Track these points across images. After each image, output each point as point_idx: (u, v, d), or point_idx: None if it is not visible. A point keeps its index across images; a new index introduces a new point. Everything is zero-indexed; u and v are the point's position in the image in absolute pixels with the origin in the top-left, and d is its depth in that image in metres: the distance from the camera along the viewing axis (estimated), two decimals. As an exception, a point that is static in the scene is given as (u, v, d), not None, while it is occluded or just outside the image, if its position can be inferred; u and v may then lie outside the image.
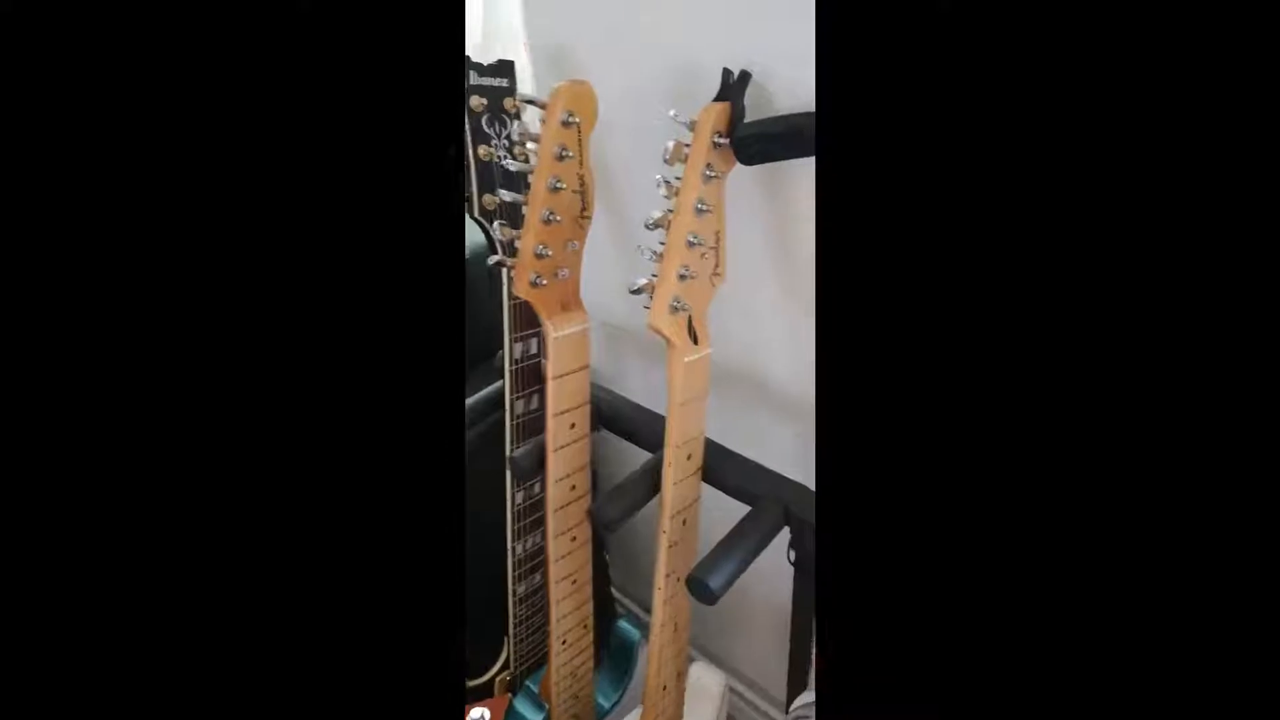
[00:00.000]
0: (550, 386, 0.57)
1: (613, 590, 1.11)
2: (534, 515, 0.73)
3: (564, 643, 0.68)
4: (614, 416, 0.66)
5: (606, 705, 0.79)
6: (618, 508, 0.56)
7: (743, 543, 0.52)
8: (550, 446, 0.59)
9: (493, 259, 0.55)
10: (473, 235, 0.86)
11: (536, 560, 0.76)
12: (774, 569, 0.99)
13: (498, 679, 0.78)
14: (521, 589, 0.76)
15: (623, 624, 0.82)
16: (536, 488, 0.73)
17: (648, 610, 0.80)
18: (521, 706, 0.72)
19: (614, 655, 0.81)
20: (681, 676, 0.66)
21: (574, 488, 0.62)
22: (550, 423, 0.58)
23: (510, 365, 0.65)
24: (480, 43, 0.83)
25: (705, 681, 0.76)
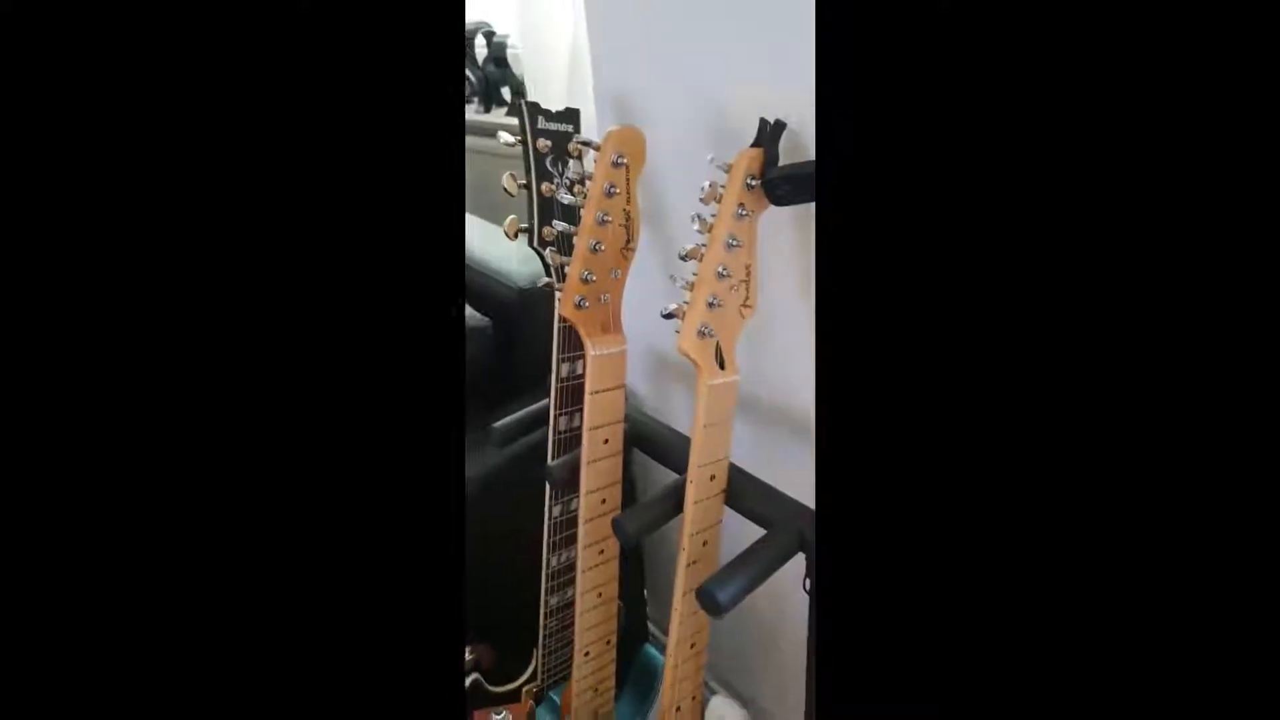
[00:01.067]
0: (587, 401, 0.61)
1: (649, 624, 1.13)
2: (569, 530, 0.77)
3: (586, 654, 0.71)
4: (646, 437, 0.70)
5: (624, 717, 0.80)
6: (638, 523, 0.59)
7: (754, 561, 0.54)
8: (585, 459, 0.63)
9: (543, 281, 0.61)
10: (539, 266, 0.93)
11: (569, 575, 0.79)
12: (791, 599, 0.99)
13: (525, 689, 0.81)
14: (554, 601, 0.79)
15: (649, 649, 0.84)
16: (573, 504, 0.77)
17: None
18: (543, 716, 0.74)
19: (638, 679, 0.83)
20: (697, 700, 0.67)
21: (605, 501, 0.66)
22: (586, 436, 0.62)
23: (556, 383, 0.70)
24: (564, 93, 0.91)
25: (725, 715, 0.77)
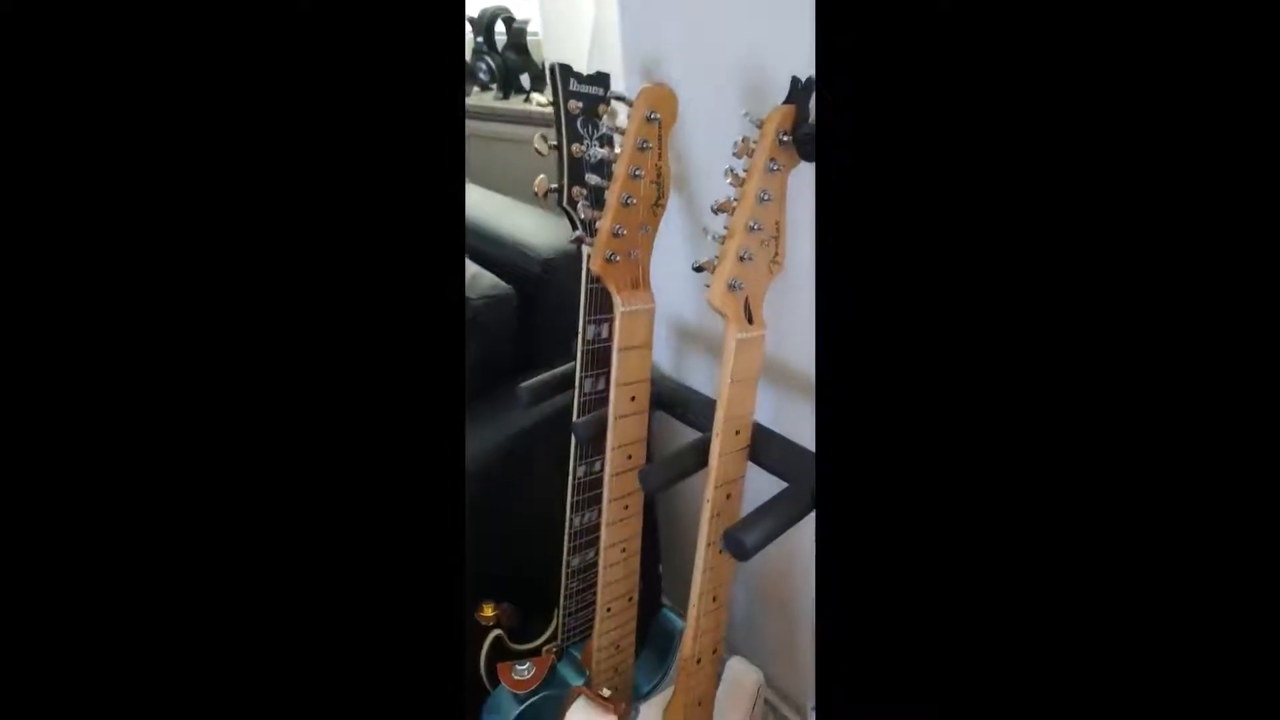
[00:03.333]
0: (615, 359, 0.63)
1: (663, 597, 1.14)
2: (592, 491, 0.78)
3: (609, 610, 0.72)
4: (671, 399, 0.71)
5: (645, 688, 0.81)
6: (664, 474, 0.61)
7: (778, 509, 0.55)
8: (612, 415, 0.64)
9: (573, 235, 0.62)
10: (562, 238, 0.95)
11: (592, 535, 0.81)
12: (803, 567, 1.00)
13: (544, 648, 0.83)
14: (575, 562, 0.81)
15: (667, 612, 0.85)
16: (597, 465, 0.78)
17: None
18: (563, 670, 0.76)
19: (656, 642, 0.84)
20: (718, 654, 0.68)
21: (630, 457, 0.67)
22: (614, 393, 0.64)
23: (583, 345, 0.72)
24: (588, 57, 0.92)
25: (742, 676, 0.78)
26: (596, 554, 0.83)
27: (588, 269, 0.67)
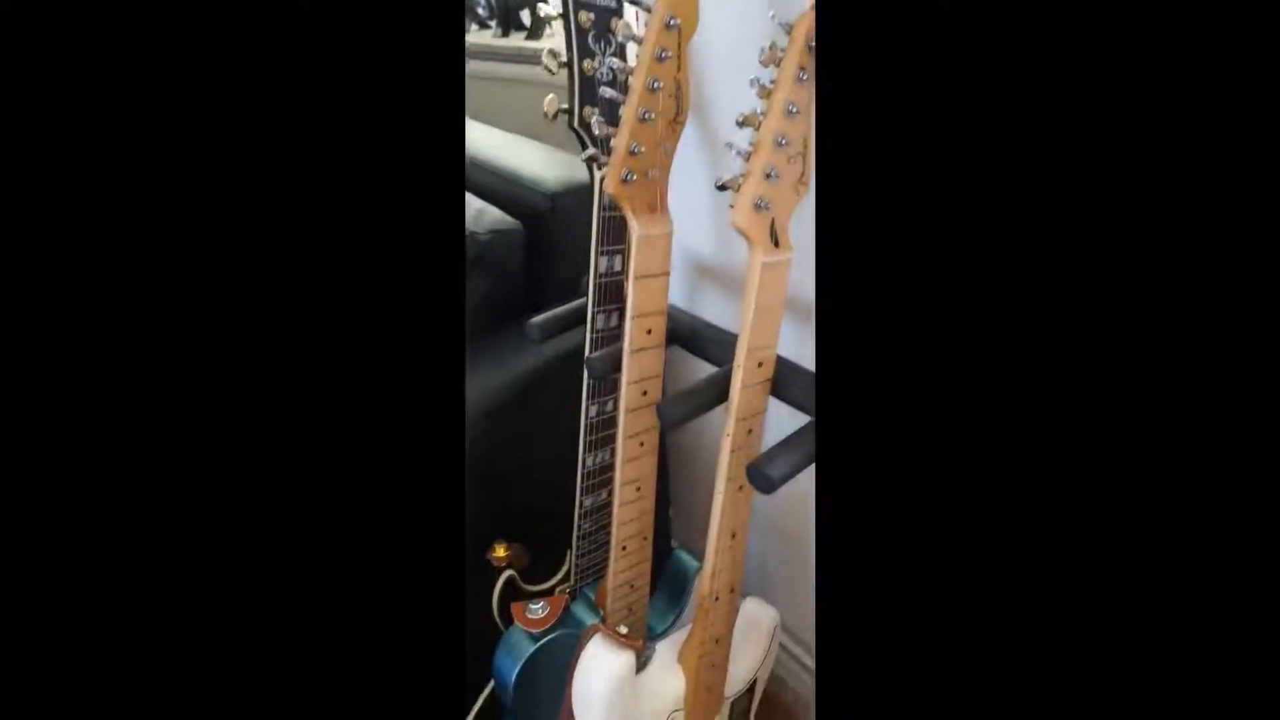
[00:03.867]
0: (631, 289, 0.60)
1: (673, 542, 1.14)
2: (605, 431, 0.76)
3: (623, 549, 0.71)
4: (688, 333, 0.68)
5: (659, 628, 0.81)
6: (683, 408, 0.58)
7: (802, 442, 0.53)
8: (627, 349, 0.62)
9: (587, 152, 0.59)
10: (572, 172, 0.91)
11: (605, 476, 0.79)
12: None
13: (558, 589, 0.82)
14: (588, 502, 0.79)
15: (680, 553, 0.84)
16: (609, 405, 0.76)
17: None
18: (578, 609, 0.75)
19: (669, 582, 0.83)
20: (735, 593, 0.67)
21: (646, 393, 0.65)
22: (629, 325, 0.61)
23: (595, 278, 0.69)
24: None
25: (758, 615, 0.77)
26: (609, 494, 0.81)
27: (601, 194, 0.63)
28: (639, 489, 0.69)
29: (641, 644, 0.63)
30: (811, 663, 1.09)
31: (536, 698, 0.72)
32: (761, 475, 0.51)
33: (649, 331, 0.62)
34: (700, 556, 0.84)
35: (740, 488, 0.62)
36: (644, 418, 0.66)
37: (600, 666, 0.61)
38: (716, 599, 0.66)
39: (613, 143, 0.55)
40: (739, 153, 0.51)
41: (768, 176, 0.51)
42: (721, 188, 0.52)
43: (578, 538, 0.80)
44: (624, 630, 0.62)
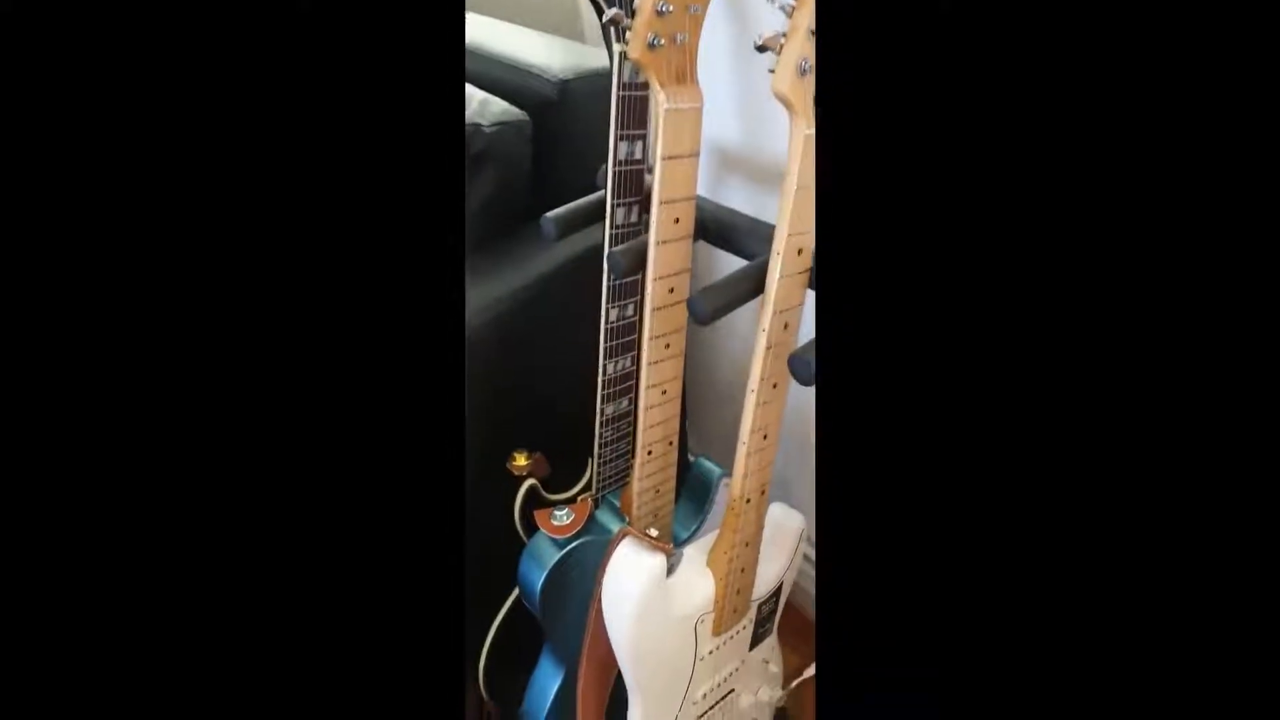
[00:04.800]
0: (659, 170, 0.55)
1: (689, 455, 1.12)
2: (626, 337, 0.73)
3: (649, 453, 0.69)
4: (716, 224, 0.64)
5: (682, 536, 0.80)
6: (716, 300, 0.54)
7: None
8: (653, 240, 0.58)
9: (609, 13, 0.52)
10: (580, 59, 0.83)
11: (625, 383, 0.76)
12: None
13: (580, 497, 0.80)
14: (609, 410, 0.77)
15: (703, 460, 0.82)
16: (630, 309, 0.72)
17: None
18: (602, 516, 0.74)
19: (691, 490, 0.82)
20: (765, 495, 0.65)
21: (673, 290, 0.61)
22: (655, 212, 0.56)
23: (614, 167, 0.63)
24: None
25: (784, 520, 0.76)
26: (630, 402, 0.79)
27: (622, 67, 0.57)
28: (665, 393, 0.66)
29: (671, 547, 0.62)
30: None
31: (564, 605, 0.72)
32: (806, 365, 0.48)
33: (677, 220, 0.58)
34: (720, 465, 0.82)
35: (775, 385, 0.59)
36: (671, 318, 0.62)
37: (631, 569, 0.59)
38: (748, 501, 0.64)
39: (636, 3, 0.49)
40: (781, 6, 0.45)
41: (812, 34, 0.45)
42: (761, 48, 0.46)
43: (599, 446, 0.78)
44: (654, 533, 0.61)
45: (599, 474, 0.79)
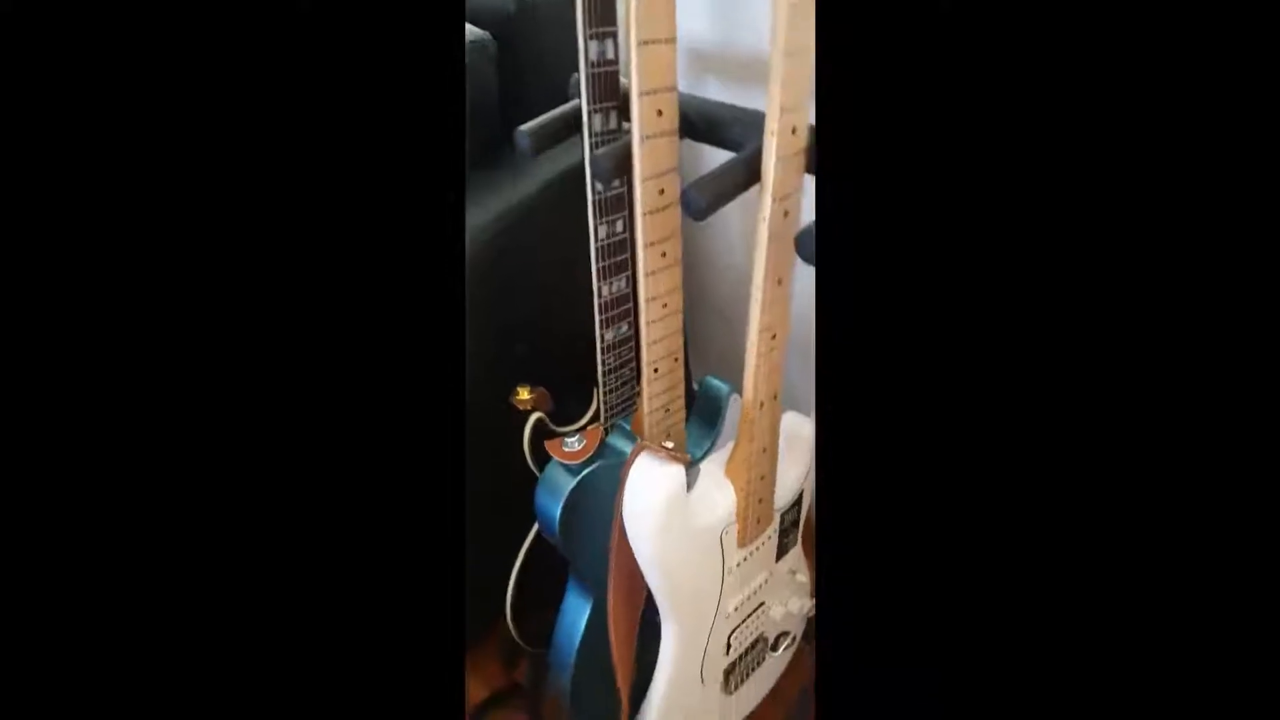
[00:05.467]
0: (634, 59, 0.51)
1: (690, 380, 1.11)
2: (618, 256, 0.70)
3: (655, 371, 0.67)
4: (701, 120, 0.60)
5: (696, 455, 0.78)
6: (710, 191, 0.52)
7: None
8: (637, 136, 0.54)
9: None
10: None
11: (623, 306, 0.74)
12: None
13: (588, 428, 0.79)
14: (609, 336, 0.74)
15: (710, 379, 0.80)
16: (619, 225, 0.69)
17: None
18: (615, 440, 0.72)
19: (702, 409, 0.80)
20: (777, 399, 0.64)
21: (663, 192, 0.58)
22: (636, 106, 0.53)
23: (586, 71, 0.59)
24: None
25: (798, 428, 0.74)
26: (631, 326, 0.76)
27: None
28: (665, 305, 0.64)
29: (689, 458, 0.60)
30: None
31: (584, 532, 0.71)
32: (806, 241, 0.45)
33: (660, 113, 0.54)
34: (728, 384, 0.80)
35: (779, 282, 0.56)
36: (664, 222, 0.59)
37: (651, 482, 0.58)
38: (761, 406, 0.62)
39: None
40: None
41: (792, -126, 0.41)
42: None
43: (603, 374, 0.76)
44: (671, 444, 0.59)
45: (606, 402, 0.77)
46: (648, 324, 0.64)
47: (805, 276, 0.59)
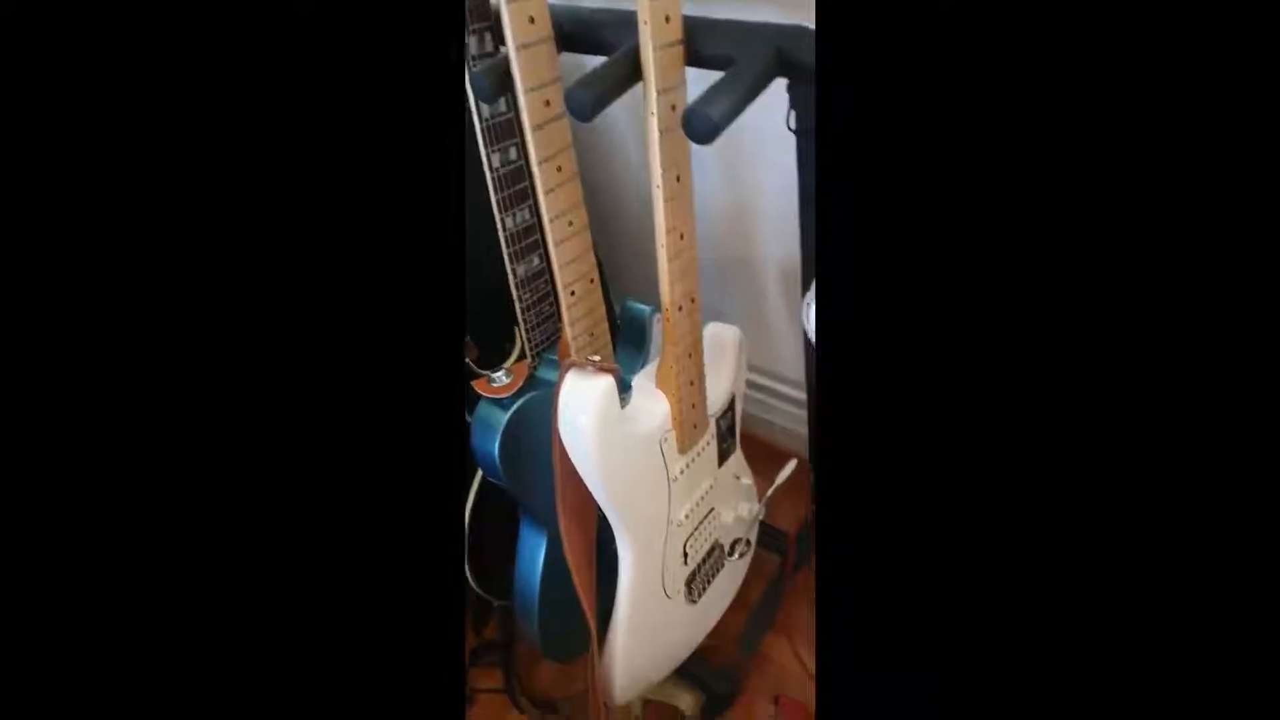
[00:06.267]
0: (497, -37, 0.50)
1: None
2: (516, 185, 0.69)
3: (572, 294, 0.66)
4: (574, 28, 0.59)
5: (629, 379, 0.79)
6: (594, 90, 0.51)
7: (731, 82, 0.48)
8: (512, 45, 0.53)
9: None
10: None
11: (530, 236, 0.73)
12: (765, 230, 0.96)
13: (513, 365, 0.78)
14: (521, 270, 0.73)
15: (630, 302, 0.80)
16: (512, 152, 0.68)
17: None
18: (542, 372, 0.72)
19: (626, 334, 0.81)
20: (695, 302, 0.65)
21: (549, 103, 0.57)
22: (507, 13, 0.52)
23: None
24: None
25: (721, 335, 0.76)
26: (541, 259, 0.76)
27: None
28: (571, 223, 0.63)
29: (618, 369, 0.61)
30: (787, 390, 1.13)
31: (527, 466, 0.70)
32: (700, 116, 0.45)
33: (531, 20, 0.53)
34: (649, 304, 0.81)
35: (678, 178, 0.57)
36: (554, 136, 0.59)
37: (582, 394, 0.58)
38: (680, 309, 0.63)
39: None
40: None
41: None
42: None
43: (522, 311, 0.75)
44: (597, 358, 0.59)
45: (529, 340, 0.77)
46: (556, 245, 0.63)
47: (702, 172, 0.59)
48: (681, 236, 0.60)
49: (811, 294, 0.63)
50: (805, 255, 0.68)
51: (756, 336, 1.06)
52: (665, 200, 0.56)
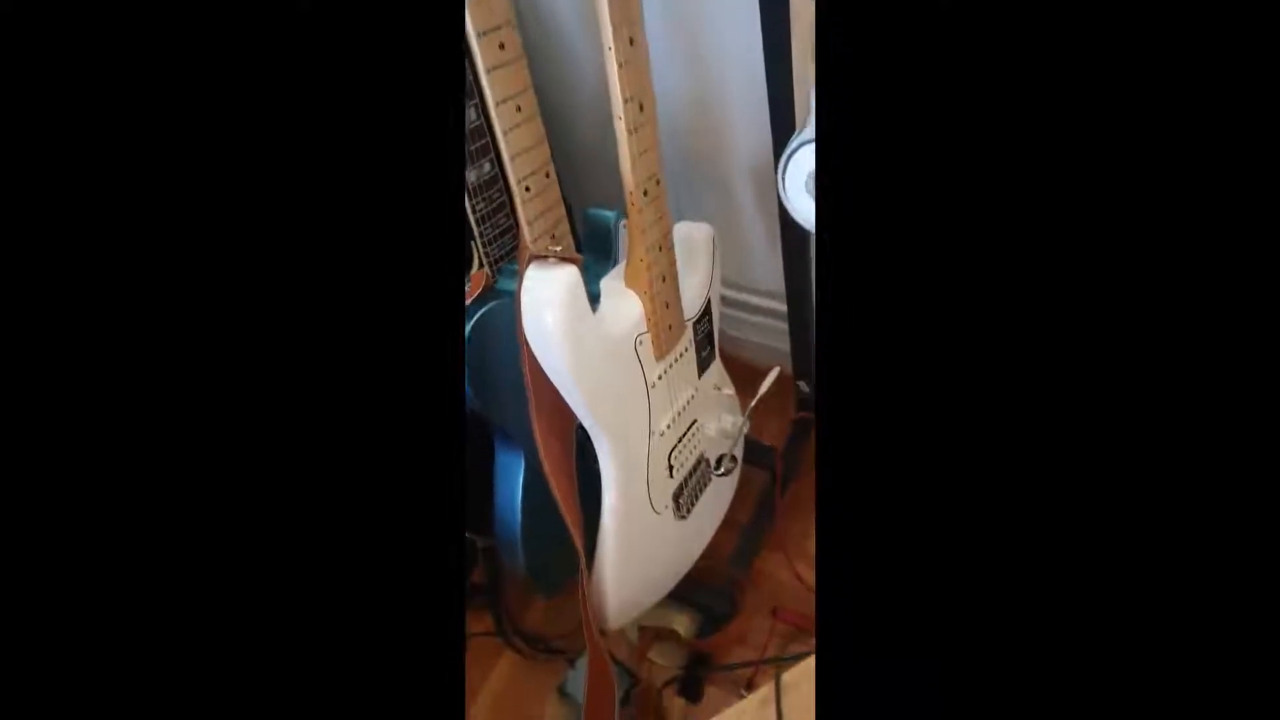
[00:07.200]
0: None
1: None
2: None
3: (527, 190, 0.61)
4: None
5: (595, 288, 0.75)
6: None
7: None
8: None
9: None
10: None
11: (480, 140, 0.68)
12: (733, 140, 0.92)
13: (471, 275, 0.73)
14: (472, 177, 0.68)
15: (592, 209, 0.76)
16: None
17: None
18: (503, 281, 0.67)
19: (591, 243, 0.76)
20: (661, 186, 0.60)
21: (484, -27, 0.51)
22: None
23: None
24: None
25: (692, 233, 0.72)
26: (493, 164, 0.70)
27: None
28: (519, 109, 0.58)
29: (581, 258, 0.56)
30: (762, 301, 1.10)
31: (495, 379, 0.66)
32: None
33: None
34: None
35: (631, 41, 0.52)
36: (493, 8, 0.53)
37: (545, 286, 0.54)
38: (645, 194, 0.59)
39: None
40: None
41: None
42: None
43: (476, 221, 0.70)
44: (558, 248, 0.55)
45: (487, 254, 0.72)
46: (505, 134, 0.58)
47: (659, 38, 0.54)
48: (641, 107, 0.55)
49: (785, 160, 0.59)
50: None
51: (729, 249, 1.02)
52: (619, 65, 0.51)
